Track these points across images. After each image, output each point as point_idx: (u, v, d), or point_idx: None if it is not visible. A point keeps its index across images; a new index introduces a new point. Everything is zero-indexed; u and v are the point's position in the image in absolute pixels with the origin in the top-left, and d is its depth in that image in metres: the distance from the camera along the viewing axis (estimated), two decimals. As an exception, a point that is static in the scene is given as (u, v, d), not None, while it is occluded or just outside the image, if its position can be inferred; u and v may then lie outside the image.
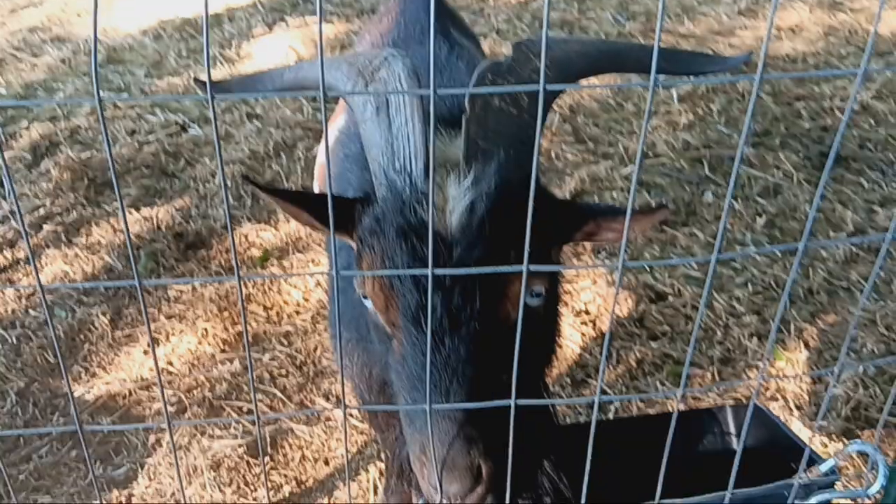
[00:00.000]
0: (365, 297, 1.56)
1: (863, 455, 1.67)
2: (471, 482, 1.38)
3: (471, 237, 1.43)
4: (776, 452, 2.00)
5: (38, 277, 1.10)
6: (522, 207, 1.32)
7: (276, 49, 6.47)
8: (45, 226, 4.37)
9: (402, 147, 1.49)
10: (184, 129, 5.31)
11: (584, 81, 1.62)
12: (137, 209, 4.49)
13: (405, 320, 1.46)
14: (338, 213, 1.60)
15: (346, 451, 1.31)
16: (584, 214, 1.61)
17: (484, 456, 1.38)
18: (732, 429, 2.14)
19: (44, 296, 1.11)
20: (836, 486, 1.77)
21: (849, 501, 2.27)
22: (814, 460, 1.76)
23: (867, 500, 1.72)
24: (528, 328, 1.52)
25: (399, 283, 1.45)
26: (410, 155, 1.48)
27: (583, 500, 1.45)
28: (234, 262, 0.97)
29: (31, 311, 3.81)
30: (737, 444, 2.05)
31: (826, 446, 3.04)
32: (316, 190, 3.54)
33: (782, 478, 1.72)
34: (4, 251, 4.22)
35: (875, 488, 1.63)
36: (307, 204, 1.63)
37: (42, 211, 4.50)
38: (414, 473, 1.81)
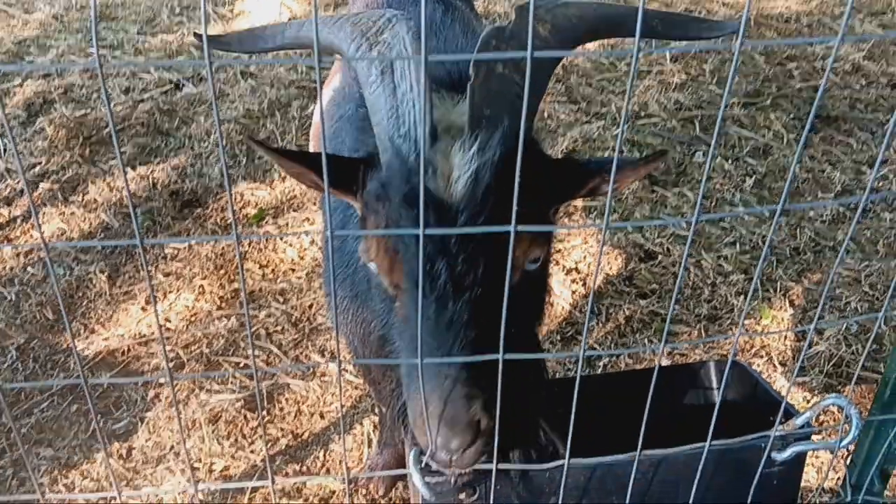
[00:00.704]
0: (370, 263, 1.59)
1: (841, 408, 1.73)
2: (471, 437, 1.42)
3: (475, 206, 1.44)
4: (756, 407, 2.08)
5: (41, 235, 1.14)
6: (525, 174, 1.36)
7: (269, 6, 6.43)
8: (41, 184, 4.39)
9: (406, 112, 1.50)
10: (178, 87, 5.31)
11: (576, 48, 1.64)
12: (133, 168, 4.52)
13: (409, 283, 1.48)
14: (341, 173, 1.63)
15: (341, 404, 1.37)
16: (583, 172, 1.64)
17: (483, 411, 1.42)
18: (715, 384, 2.21)
19: (48, 252, 1.15)
20: (812, 439, 1.84)
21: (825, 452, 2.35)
22: (791, 414, 1.82)
23: (841, 451, 1.79)
24: (525, 292, 1.56)
25: (404, 247, 1.47)
26: (415, 121, 1.49)
27: (567, 450, 1.51)
28: (232, 221, 1.01)
29: (29, 268, 3.86)
30: (718, 398, 2.13)
31: (808, 401, 3.12)
32: (311, 150, 3.57)
33: (762, 431, 1.79)
34: (1, 209, 4.25)
35: (847, 440, 1.71)
36: (312, 163, 1.63)
37: (38, 169, 4.52)
38: (407, 428, 1.87)
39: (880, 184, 4.35)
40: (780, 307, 3.57)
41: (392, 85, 1.52)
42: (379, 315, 1.76)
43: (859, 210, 1.33)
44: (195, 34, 1.99)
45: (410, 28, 1.57)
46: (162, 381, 3.29)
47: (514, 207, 1.16)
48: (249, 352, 3.35)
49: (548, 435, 1.94)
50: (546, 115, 4.89)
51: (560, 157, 1.85)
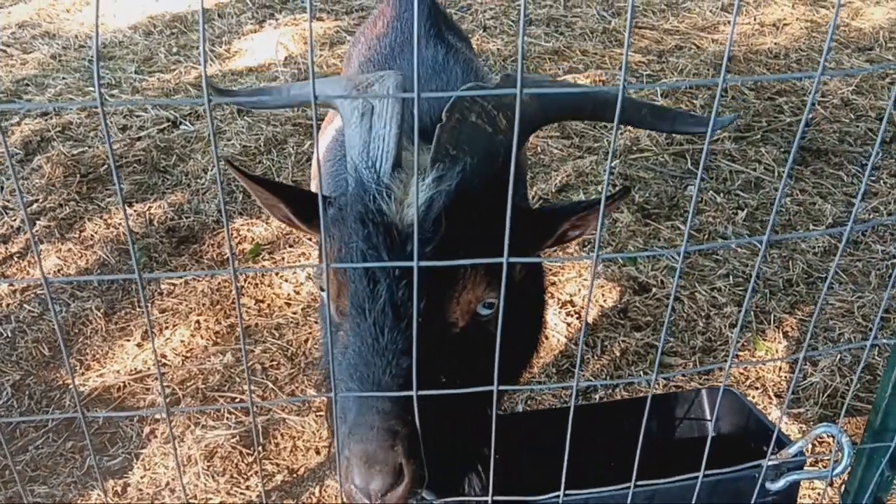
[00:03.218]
0: (322, 290, 1.61)
1: (833, 437, 1.75)
2: (392, 479, 1.39)
3: (425, 232, 1.47)
4: (750, 437, 2.09)
5: (41, 269, 1.17)
6: (483, 217, 1.40)
7: (265, 46, 6.51)
8: (38, 221, 4.41)
9: (376, 147, 1.56)
10: (175, 125, 5.36)
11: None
12: (130, 205, 4.55)
13: (351, 307, 1.50)
14: (310, 208, 1.67)
15: (337, 437, 1.38)
16: (551, 220, 1.67)
17: (407, 454, 1.39)
18: (707, 412, 2.23)
19: (47, 287, 1.17)
20: (805, 468, 1.85)
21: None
22: (784, 443, 1.84)
23: (835, 480, 1.80)
24: (476, 336, 1.56)
25: (352, 272, 1.51)
26: (382, 154, 1.55)
27: (563, 483, 1.52)
28: (229, 256, 1.03)
29: (25, 305, 3.87)
30: (711, 428, 2.14)
31: (803, 432, 3.13)
32: (313, 188, 3.60)
33: (755, 460, 1.80)
34: (-2, 246, 4.28)
35: (840, 468, 1.72)
36: (285, 195, 1.69)
37: (35, 207, 4.55)
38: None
39: (870, 215, 4.39)
40: (774, 339, 3.58)
41: (369, 124, 1.59)
42: (325, 351, 1.77)
43: (844, 239, 1.36)
44: (212, 87, 2.10)
45: (398, 81, 1.63)
46: (158, 416, 3.29)
47: (507, 240, 1.18)
48: (245, 387, 3.35)
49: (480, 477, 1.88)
50: (539, 149, 4.95)
51: (529, 208, 1.89)
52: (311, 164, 4.51)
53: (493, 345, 1.21)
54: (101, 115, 0.95)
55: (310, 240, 4.26)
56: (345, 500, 1.47)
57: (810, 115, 5.25)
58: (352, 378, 1.48)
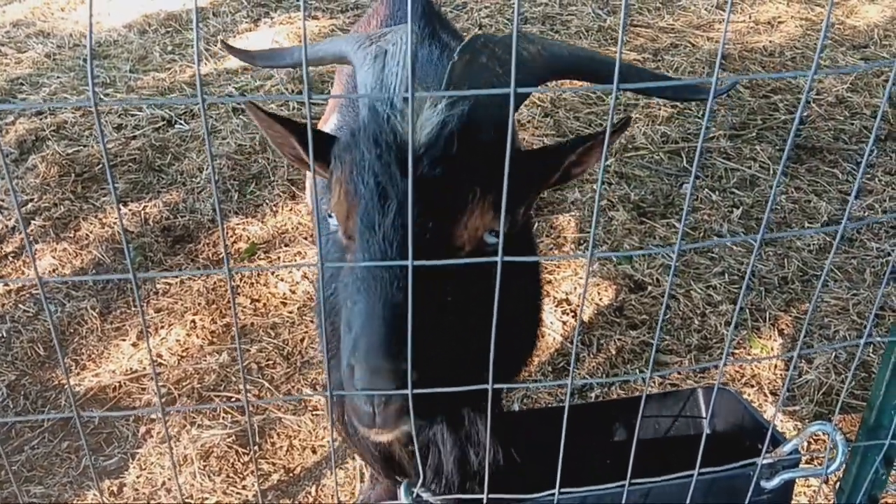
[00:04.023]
0: (330, 216, 1.63)
1: (828, 435, 1.75)
2: (397, 383, 1.36)
3: (437, 150, 1.51)
4: (745, 435, 2.09)
5: (35, 269, 1.16)
6: (490, 152, 1.43)
7: (261, 44, 6.50)
8: (33, 221, 4.41)
9: (389, 81, 1.63)
10: (170, 123, 5.35)
11: (552, 85, 1.76)
12: (125, 204, 4.54)
13: (361, 225, 1.52)
14: (318, 145, 1.68)
15: (332, 438, 1.38)
16: (557, 155, 1.71)
17: (411, 364, 1.34)
18: (702, 411, 2.23)
19: (42, 287, 1.17)
20: (799, 466, 1.85)
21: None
22: (778, 441, 1.84)
23: (829, 478, 1.80)
24: (480, 275, 1.57)
25: (362, 187, 1.53)
26: (395, 86, 1.62)
27: (558, 481, 1.52)
28: (224, 255, 1.04)
29: (20, 305, 3.86)
30: (706, 426, 2.14)
31: (798, 430, 3.13)
32: (307, 189, 3.61)
33: (751, 459, 1.80)
34: (-7, 246, 4.27)
35: (834, 466, 1.72)
36: (295, 129, 1.71)
37: (30, 206, 4.54)
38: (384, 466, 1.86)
39: (865, 213, 4.40)
40: (770, 336, 3.59)
41: (382, 65, 1.66)
42: (329, 283, 1.79)
43: (838, 237, 1.36)
44: (224, 44, 2.16)
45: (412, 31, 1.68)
46: (154, 416, 3.28)
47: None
48: (241, 386, 3.35)
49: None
50: (534, 147, 4.94)
51: (533, 149, 1.94)
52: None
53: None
54: (94, 114, 0.95)
55: (306, 239, 4.26)
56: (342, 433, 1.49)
57: (805, 113, 5.26)
58: (359, 291, 1.48)
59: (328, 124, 2.73)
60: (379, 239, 1.48)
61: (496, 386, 1.34)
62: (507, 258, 1.21)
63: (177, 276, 3.98)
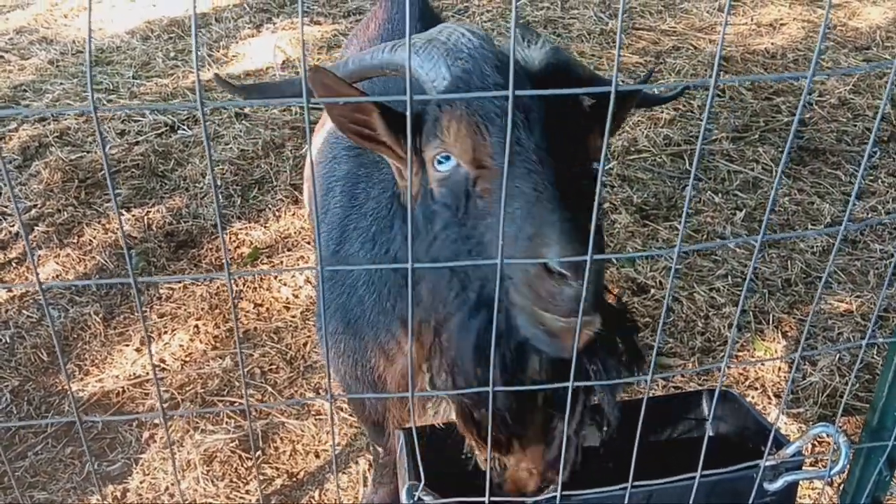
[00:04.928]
0: (443, 160, 1.58)
1: (831, 437, 1.74)
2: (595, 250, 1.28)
3: (551, 78, 1.57)
4: (748, 437, 2.08)
5: (36, 275, 1.17)
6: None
7: (263, 50, 6.52)
8: (36, 227, 4.42)
9: (461, 47, 1.63)
10: (173, 129, 5.37)
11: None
12: (128, 209, 4.55)
13: (499, 152, 1.49)
14: (393, 123, 1.66)
15: (334, 440, 1.38)
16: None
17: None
18: (705, 413, 2.22)
19: (44, 293, 1.17)
20: (803, 468, 1.85)
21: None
22: (782, 443, 1.83)
23: (832, 480, 1.80)
24: (588, 195, 1.58)
25: (493, 118, 1.51)
26: (472, 48, 1.63)
27: (559, 485, 1.52)
28: (224, 261, 1.04)
29: (24, 311, 3.87)
30: (709, 429, 2.14)
31: (802, 432, 3.13)
32: (305, 189, 3.61)
33: (754, 461, 1.79)
34: (-4, 252, 4.28)
35: (837, 468, 1.71)
36: (378, 105, 1.63)
37: (33, 212, 4.55)
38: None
39: (868, 214, 4.39)
40: (774, 339, 3.58)
41: (446, 48, 1.64)
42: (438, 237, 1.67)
43: (839, 238, 1.36)
44: (216, 77, 2.04)
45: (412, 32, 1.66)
46: (157, 421, 3.28)
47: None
48: (244, 391, 3.36)
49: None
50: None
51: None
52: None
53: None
54: (94, 121, 0.95)
55: (308, 243, 4.26)
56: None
57: (808, 115, 5.25)
58: (529, 191, 1.45)
59: (325, 127, 2.74)
60: (531, 147, 1.47)
61: (497, 389, 1.34)
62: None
63: (179, 281, 3.99)
